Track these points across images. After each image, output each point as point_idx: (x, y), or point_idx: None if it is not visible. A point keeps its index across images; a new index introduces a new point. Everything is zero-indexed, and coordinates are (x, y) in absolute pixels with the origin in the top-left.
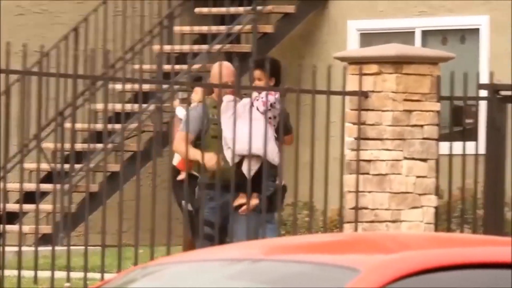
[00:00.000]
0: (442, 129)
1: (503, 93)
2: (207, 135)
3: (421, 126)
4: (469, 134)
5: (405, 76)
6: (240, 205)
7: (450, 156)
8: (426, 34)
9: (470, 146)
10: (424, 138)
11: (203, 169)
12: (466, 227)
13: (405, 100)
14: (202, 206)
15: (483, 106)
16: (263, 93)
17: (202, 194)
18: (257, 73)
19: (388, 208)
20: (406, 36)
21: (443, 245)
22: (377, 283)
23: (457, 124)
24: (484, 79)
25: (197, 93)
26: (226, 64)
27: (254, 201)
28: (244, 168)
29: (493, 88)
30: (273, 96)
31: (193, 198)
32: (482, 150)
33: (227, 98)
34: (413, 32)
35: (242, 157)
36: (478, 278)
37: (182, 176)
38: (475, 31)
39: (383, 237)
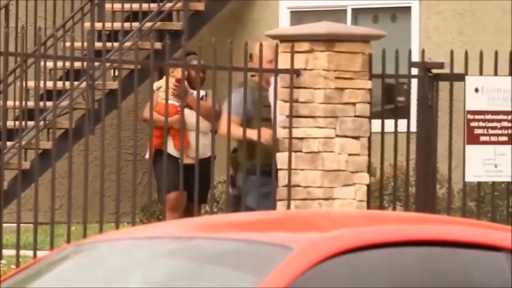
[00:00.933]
0: (374, 106)
1: (434, 71)
2: (256, 118)
3: (353, 104)
4: (401, 112)
5: (337, 54)
6: None
7: (382, 133)
8: (357, 12)
9: (402, 124)
10: (356, 116)
11: (246, 154)
12: (398, 205)
13: (337, 78)
14: (246, 192)
15: (414, 84)
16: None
17: (248, 180)
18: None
19: (321, 186)
20: (337, 14)
21: (375, 223)
22: (310, 261)
23: (389, 102)
24: (415, 57)
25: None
26: (269, 44)
27: None
28: None
29: (425, 66)
30: None
31: (173, 180)
32: (414, 127)
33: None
34: (344, 10)
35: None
36: (410, 255)
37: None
38: (406, 10)
39: (316, 215)
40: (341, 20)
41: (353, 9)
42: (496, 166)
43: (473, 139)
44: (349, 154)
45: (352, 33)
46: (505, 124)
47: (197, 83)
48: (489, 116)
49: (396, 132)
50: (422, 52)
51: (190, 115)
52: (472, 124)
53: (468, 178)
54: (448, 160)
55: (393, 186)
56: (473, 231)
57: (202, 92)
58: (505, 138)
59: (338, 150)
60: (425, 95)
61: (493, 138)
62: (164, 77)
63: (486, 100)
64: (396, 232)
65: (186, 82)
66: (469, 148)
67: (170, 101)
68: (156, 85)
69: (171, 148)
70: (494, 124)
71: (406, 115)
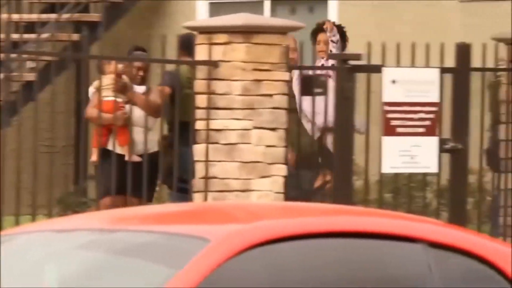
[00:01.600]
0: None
1: (352, 62)
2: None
3: (271, 95)
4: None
5: (255, 46)
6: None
7: (299, 125)
8: (275, 4)
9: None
10: (273, 108)
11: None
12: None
13: (255, 69)
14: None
15: (332, 75)
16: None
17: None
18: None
19: (238, 177)
20: (255, 6)
21: (293, 215)
22: (227, 253)
23: (307, 94)
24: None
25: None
26: (292, 37)
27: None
28: (329, 142)
29: (342, 58)
30: None
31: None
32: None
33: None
34: (261, 2)
35: (324, 131)
36: (328, 247)
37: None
38: (323, 1)
39: (233, 206)
40: (259, 12)
41: (271, 1)
42: (412, 158)
43: (389, 130)
44: (266, 146)
45: (269, 25)
46: (422, 115)
47: (138, 79)
48: (405, 108)
49: (313, 123)
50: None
51: (133, 111)
52: (389, 115)
53: (385, 170)
54: (365, 151)
55: (310, 178)
56: (390, 223)
57: (142, 88)
58: (421, 130)
59: (256, 142)
60: (342, 86)
61: (410, 130)
62: (104, 76)
63: (403, 92)
64: (313, 224)
65: (127, 78)
66: (386, 139)
67: (111, 98)
68: (94, 85)
69: (115, 147)
70: (411, 115)
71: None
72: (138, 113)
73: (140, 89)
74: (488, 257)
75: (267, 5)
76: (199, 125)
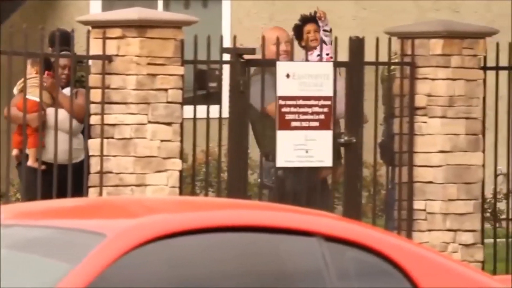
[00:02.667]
0: (186, 92)
1: (246, 56)
2: None
3: (165, 90)
4: (213, 98)
5: (149, 40)
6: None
7: (194, 119)
8: None
9: (214, 110)
10: (168, 102)
11: None
12: (211, 191)
13: (149, 64)
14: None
15: (226, 70)
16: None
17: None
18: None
19: (133, 172)
20: (148, 1)
21: (188, 209)
22: (124, 248)
23: (201, 88)
24: (227, 43)
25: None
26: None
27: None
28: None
29: (236, 52)
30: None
31: None
32: (226, 113)
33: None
34: None
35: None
36: (224, 241)
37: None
38: None
39: (129, 201)
40: (153, 6)
41: None
42: (307, 152)
43: (284, 124)
44: (161, 140)
45: (164, 19)
46: (316, 109)
47: (62, 80)
48: (300, 102)
49: (208, 118)
50: (234, 38)
51: (53, 114)
52: (284, 109)
53: (280, 164)
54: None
55: (205, 172)
56: (286, 217)
57: (66, 90)
58: (316, 124)
59: (150, 137)
60: (237, 80)
61: (304, 124)
62: (29, 74)
63: (297, 86)
64: (210, 218)
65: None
66: (281, 133)
67: (31, 97)
68: (17, 87)
69: (27, 150)
70: (305, 109)
71: (218, 101)
72: (62, 116)
73: (66, 90)
74: (384, 251)
75: (160, 1)
76: (94, 119)
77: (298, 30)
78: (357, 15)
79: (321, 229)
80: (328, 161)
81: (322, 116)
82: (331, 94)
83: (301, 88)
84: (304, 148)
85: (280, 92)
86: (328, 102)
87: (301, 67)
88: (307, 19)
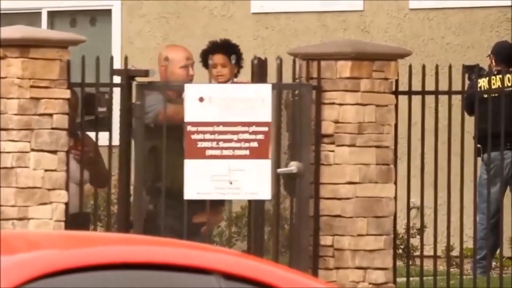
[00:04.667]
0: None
1: (139, 79)
2: None
3: (50, 115)
4: (103, 124)
5: (32, 61)
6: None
7: (83, 146)
8: (53, 15)
9: (103, 137)
10: (53, 128)
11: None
12: (99, 225)
13: (32, 86)
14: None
15: (117, 93)
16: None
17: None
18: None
19: (15, 204)
20: (32, 17)
21: (76, 245)
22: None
23: (90, 113)
24: (117, 64)
25: None
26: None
27: (221, 218)
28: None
29: (128, 74)
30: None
31: None
32: (116, 140)
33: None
34: (39, 13)
35: None
36: (116, 279)
37: None
38: (106, 12)
39: (11, 236)
40: (36, 24)
41: (48, 12)
42: (231, 183)
43: (195, 153)
44: (46, 170)
45: (48, 38)
46: (245, 136)
47: None
48: (220, 128)
49: (96, 146)
50: (125, 59)
51: None
52: (195, 136)
53: (189, 196)
54: (165, 176)
55: (94, 205)
56: (182, 253)
57: None
58: (244, 152)
59: (34, 166)
60: (128, 105)
61: (227, 152)
62: None
63: (216, 110)
64: (100, 254)
65: None
66: (190, 162)
67: None
68: None
69: None
70: (229, 136)
71: (108, 127)
72: None
73: None
74: None
75: (44, 16)
76: None
77: (205, 58)
78: (258, 35)
79: (220, 266)
80: (265, 194)
81: (254, 144)
82: (268, 119)
83: (222, 113)
84: (227, 179)
85: (190, 117)
86: (264, 128)
87: (221, 89)
88: (215, 47)
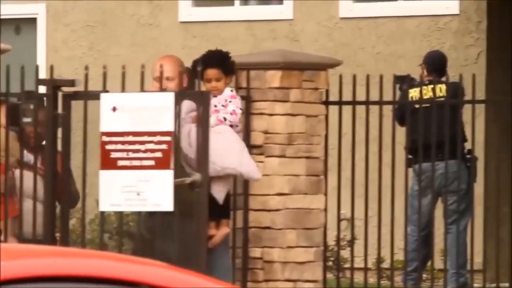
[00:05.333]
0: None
1: (66, 89)
2: None
3: None
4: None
5: None
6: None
7: (7, 160)
8: None
9: None
10: None
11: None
12: None
13: None
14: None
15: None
16: (227, 98)
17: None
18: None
19: None
20: None
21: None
22: None
23: (14, 124)
24: (43, 74)
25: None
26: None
27: (225, 230)
28: (214, 190)
29: (54, 84)
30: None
31: None
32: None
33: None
34: None
35: (210, 178)
36: None
37: None
38: (31, 21)
39: None
40: None
41: None
42: (139, 194)
43: (109, 163)
44: None
45: None
46: (151, 146)
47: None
48: (130, 138)
49: (21, 157)
50: (51, 68)
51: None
52: (109, 147)
53: (104, 208)
54: (82, 187)
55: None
56: (111, 266)
57: None
58: (150, 163)
59: None
60: (55, 115)
61: (135, 163)
62: None
63: (127, 120)
64: (31, 266)
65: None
66: (104, 173)
67: None
68: None
69: None
70: (137, 146)
71: (35, 139)
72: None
73: None
74: None
75: None
76: None
77: (195, 71)
78: (186, 44)
79: (149, 279)
80: (167, 205)
81: (158, 154)
82: (171, 129)
83: (132, 122)
84: (136, 190)
85: (104, 127)
86: (167, 138)
87: (131, 98)
88: (209, 61)
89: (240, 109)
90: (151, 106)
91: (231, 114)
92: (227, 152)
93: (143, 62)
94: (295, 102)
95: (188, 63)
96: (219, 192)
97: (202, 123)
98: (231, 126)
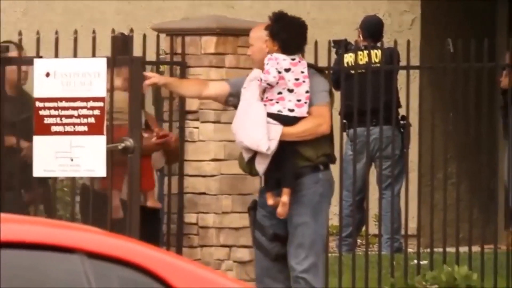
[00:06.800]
0: None
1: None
2: None
3: None
4: None
5: None
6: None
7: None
8: None
9: None
10: None
11: None
12: None
13: None
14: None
15: None
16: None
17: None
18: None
19: None
20: None
21: None
22: None
23: None
24: None
25: None
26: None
27: (285, 198)
28: (256, 163)
29: None
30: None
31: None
32: None
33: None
34: None
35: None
36: None
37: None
38: None
39: None
40: None
41: None
42: (72, 160)
43: (43, 129)
44: None
45: None
46: (84, 112)
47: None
48: (63, 104)
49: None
50: None
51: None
52: (42, 112)
53: (37, 173)
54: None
55: None
56: (44, 231)
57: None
58: (84, 128)
59: None
60: None
61: (69, 128)
62: None
63: (60, 86)
64: None
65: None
66: (38, 139)
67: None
68: None
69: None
70: (70, 112)
71: None
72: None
73: None
74: (150, 267)
75: None
76: None
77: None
78: (122, 10)
79: (83, 245)
80: (100, 171)
81: (91, 120)
82: (103, 94)
83: (65, 88)
84: (69, 156)
85: (38, 93)
86: (100, 104)
87: (65, 64)
88: None
89: (277, 69)
90: (84, 72)
91: (264, 73)
92: (240, 127)
93: (77, 28)
94: (230, 68)
95: (123, 29)
96: (257, 165)
97: (133, 89)
98: (269, 85)
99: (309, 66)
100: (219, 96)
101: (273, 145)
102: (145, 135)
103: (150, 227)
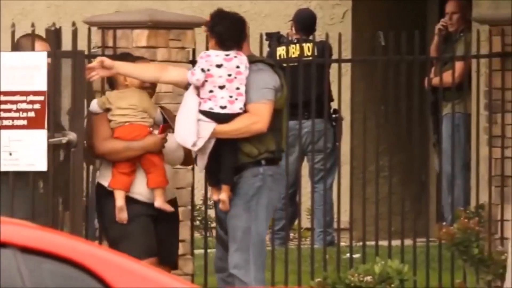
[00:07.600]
0: None
1: None
2: None
3: None
4: None
5: None
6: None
7: None
8: None
9: None
10: None
11: None
12: None
13: None
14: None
15: None
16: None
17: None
18: None
19: None
20: None
21: None
22: None
23: None
24: None
25: None
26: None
27: (223, 195)
28: (197, 159)
29: None
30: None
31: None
32: None
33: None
34: None
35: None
36: None
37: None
38: None
39: None
40: None
41: None
42: (11, 154)
43: None
44: None
45: None
46: (23, 106)
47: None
48: (1, 98)
49: None
50: None
51: (170, 138)
52: None
53: None
54: None
55: None
56: None
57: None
58: (23, 122)
59: None
60: None
61: (7, 122)
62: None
63: (2, 79)
64: None
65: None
66: None
67: (134, 121)
68: (98, 103)
69: (140, 190)
70: (9, 106)
71: None
72: (173, 144)
73: None
74: (83, 261)
75: None
76: None
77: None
78: (52, 3)
79: (16, 239)
80: (41, 165)
81: (31, 114)
82: (44, 88)
83: (4, 82)
84: (8, 150)
85: None
86: (40, 98)
87: (4, 57)
88: None
89: (202, 68)
90: (23, 66)
91: (190, 73)
92: (176, 121)
93: (7, 22)
94: (162, 61)
95: (53, 21)
96: (198, 161)
97: (77, 84)
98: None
99: (260, 61)
100: (180, 82)
101: (200, 142)
102: (155, 131)
103: (165, 225)
